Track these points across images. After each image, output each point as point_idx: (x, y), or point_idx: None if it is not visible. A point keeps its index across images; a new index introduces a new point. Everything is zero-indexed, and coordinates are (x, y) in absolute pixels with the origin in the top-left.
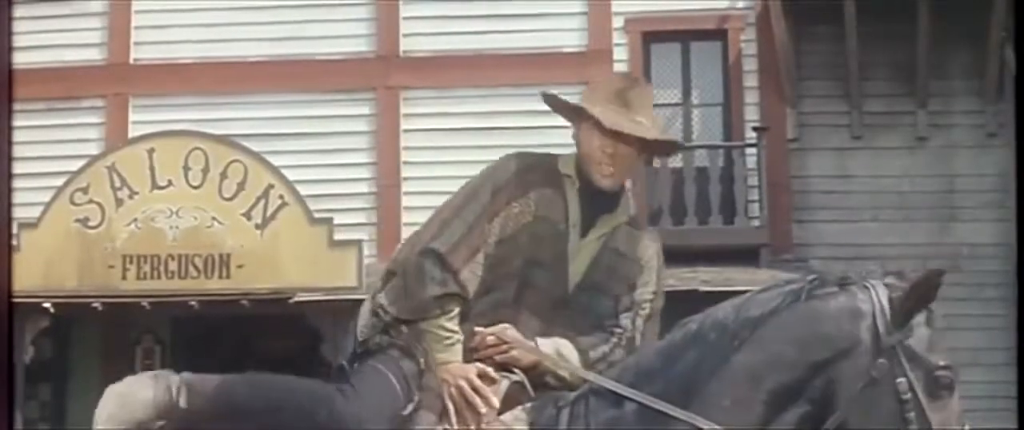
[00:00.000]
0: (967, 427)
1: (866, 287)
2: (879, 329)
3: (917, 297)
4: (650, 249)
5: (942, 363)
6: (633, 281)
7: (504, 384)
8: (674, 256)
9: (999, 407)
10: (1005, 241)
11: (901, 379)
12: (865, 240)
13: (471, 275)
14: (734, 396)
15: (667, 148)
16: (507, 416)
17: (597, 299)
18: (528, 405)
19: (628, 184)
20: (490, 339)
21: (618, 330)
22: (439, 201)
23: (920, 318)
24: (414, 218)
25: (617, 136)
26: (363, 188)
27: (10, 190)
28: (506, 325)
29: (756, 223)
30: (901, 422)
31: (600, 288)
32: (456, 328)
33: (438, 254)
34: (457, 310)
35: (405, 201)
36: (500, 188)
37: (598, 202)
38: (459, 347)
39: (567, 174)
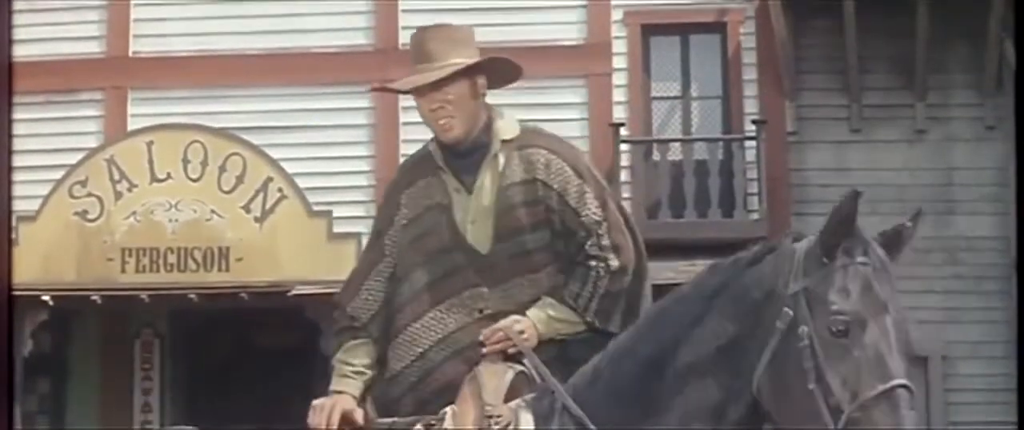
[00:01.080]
0: (890, 384)
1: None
2: (788, 278)
3: (834, 227)
4: (553, 163)
5: (838, 307)
6: (563, 204)
7: (510, 375)
8: (673, 249)
9: (999, 400)
10: (1003, 234)
11: (803, 326)
12: (865, 232)
13: (363, 301)
14: (691, 379)
15: (501, 68)
16: (514, 403)
17: (529, 234)
18: (529, 396)
19: (491, 115)
20: (499, 334)
21: (591, 262)
22: None
23: (841, 262)
24: None
25: (433, 88)
26: (362, 181)
27: (10, 183)
28: (516, 317)
29: (755, 216)
30: (801, 372)
31: (522, 223)
32: (350, 359)
33: (337, 300)
34: (350, 342)
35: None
36: (382, 207)
37: (467, 155)
38: (351, 380)
39: (431, 150)
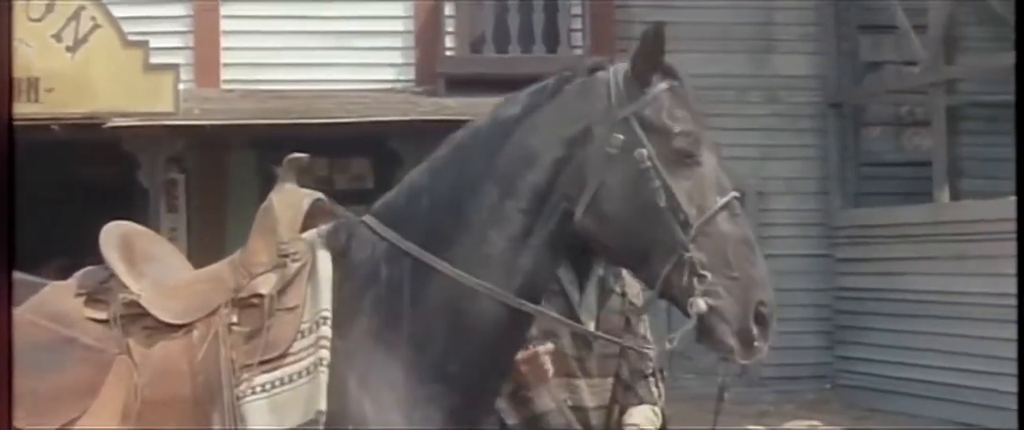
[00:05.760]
0: (729, 196)
1: (607, 68)
2: (612, 104)
3: (647, 54)
4: (636, 285)
5: (681, 129)
6: (633, 322)
7: (306, 202)
8: (496, 84)
9: (811, 234)
10: (819, 73)
11: (640, 150)
12: (685, 70)
13: None
14: (492, 210)
15: None
16: (309, 235)
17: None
18: (324, 227)
19: None
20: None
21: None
22: (259, 25)
23: (662, 87)
24: (233, 42)
25: None
26: (180, 10)
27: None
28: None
29: (579, 52)
30: (647, 193)
31: (613, 331)
32: None
33: None
34: None
35: (224, 24)
36: None
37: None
38: None
39: None
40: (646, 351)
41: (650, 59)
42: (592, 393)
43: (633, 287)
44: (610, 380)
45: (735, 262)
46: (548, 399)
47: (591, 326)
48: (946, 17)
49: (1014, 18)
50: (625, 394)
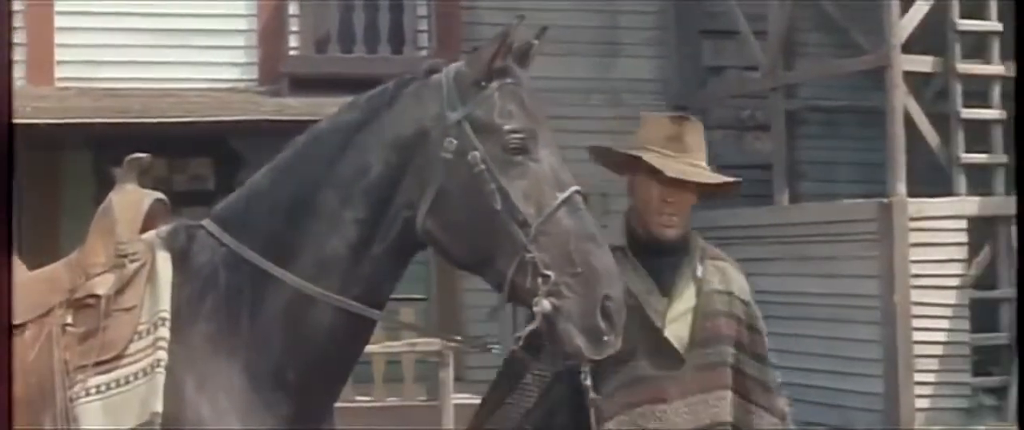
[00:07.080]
0: (569, 192)
1: (442, 71)
2: (444, 108)
3: (501, 52)
4: (738, 280)
5: (511, 127)
6: (751, 320)
7: (147, 202)
8: (341, 84)
9: None
10: (662, 77)
11: (473, 153)
12: (531, 72)
13: None
14: (332, 217)
15: (725, 189)
16: (149, 235)
17: (726, 345)
18: (164, 229)
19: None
20: None
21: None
22: (95, 21)
23: (494, 86)
24: (67, 39)
25: (679, 184)
26: (16, 5)
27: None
28: None
29: (425, 53)
30: (484, 196)
31: (722, 333)
32: None
33: None
34: None
35: (58, 20)
36: None
37: (668, 254)
38: None
39: (618, 246)
40: (491, 346)
41: (503, 56)
42: (690, 413)
43: (737, 281)
44: (719, 393)
45: (578, 258)
46: None
47: (684, 335)
48: (785, 23)
49: (1014, 19)
50: (745, 414)
